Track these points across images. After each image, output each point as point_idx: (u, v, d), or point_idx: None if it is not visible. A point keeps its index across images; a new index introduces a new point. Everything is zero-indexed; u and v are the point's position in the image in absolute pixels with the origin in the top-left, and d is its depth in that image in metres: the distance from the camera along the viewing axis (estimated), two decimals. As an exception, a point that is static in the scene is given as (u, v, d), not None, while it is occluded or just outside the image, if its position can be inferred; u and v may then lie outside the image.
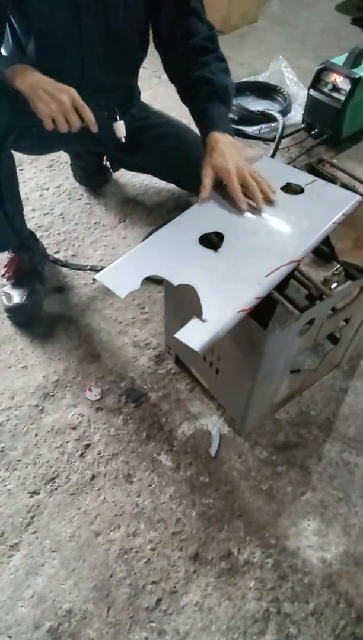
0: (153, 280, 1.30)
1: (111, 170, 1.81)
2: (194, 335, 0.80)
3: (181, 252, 0.94)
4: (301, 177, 1.09)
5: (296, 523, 1.09)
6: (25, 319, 1.42)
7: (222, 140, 1.09)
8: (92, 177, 1.83)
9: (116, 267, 0.91)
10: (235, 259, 0.92)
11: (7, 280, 1.43)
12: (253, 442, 1.21)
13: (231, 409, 1.19)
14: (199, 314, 0.83)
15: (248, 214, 1.00)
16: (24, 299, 1.39)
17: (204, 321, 0.82)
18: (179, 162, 1.45)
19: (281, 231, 0.97)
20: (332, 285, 1.00)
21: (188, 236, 0.97)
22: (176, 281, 0.88)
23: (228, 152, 1.05)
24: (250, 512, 1.10)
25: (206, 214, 1.02)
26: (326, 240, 0.98)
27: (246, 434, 1.21)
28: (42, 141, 1.32)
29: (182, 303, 1.09)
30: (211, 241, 0.96)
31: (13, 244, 1.39)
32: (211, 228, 0.97)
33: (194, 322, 0.82)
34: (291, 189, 1.07)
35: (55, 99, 1.03)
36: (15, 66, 1.07)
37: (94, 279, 0.90)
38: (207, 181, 1.04)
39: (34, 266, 1.46)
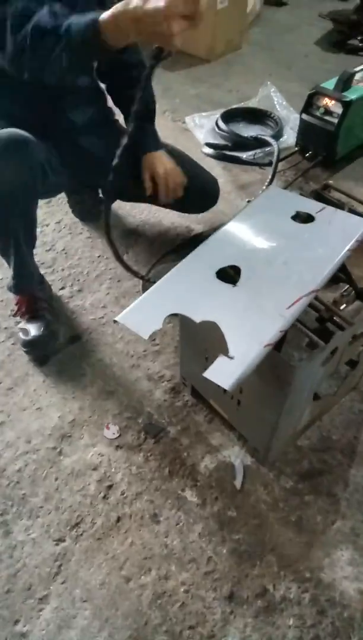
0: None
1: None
2: (223, 373, 0.79)
3: (199, 288, 0.94)
4: (309, 205, 1.10)
5: (329, 554, 1.07)
6: (45, 352, 1.42)
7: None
8: (91, 211, 1.83)
9: (136, 308, 0.91)
10: (254, 291, 0.92)
11: (22, 316, 1.43)
12: (278, 472, 1.19)
13: (254, 439, 1.18)
14: (225, 351, 0.83)
15: (263, 245, 1.01)
16: (41, 330, 1.39)
17: (231, 358, 0.82)
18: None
19: (298, 261, 0.97)
20: (341, 306, 1.00)
21: (205, 271, 0.96)
22: (197, 318, 0.88)
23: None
24: (281, 546, 1.08)
25: (220, 248, 1.02)
26: (342, 267, 0.99)
27: (270, 464, 1.19)
28: (57, 180, 1.37)
29: (198, 336, 1.09)
30: (229, 275, 0.96)
31: (36, 285, 1.41)
32: (227, 262, 0.97)
33: (221, 360, 0.81)
34: (301, 217, 1.07)
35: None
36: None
37: (115, 321, 0.89)
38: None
39: (44, 298, 1.46)
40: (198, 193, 1.56)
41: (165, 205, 1.60)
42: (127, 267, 1.28)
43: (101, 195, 1.78)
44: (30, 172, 1.18)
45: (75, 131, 1.41)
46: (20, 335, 1.41)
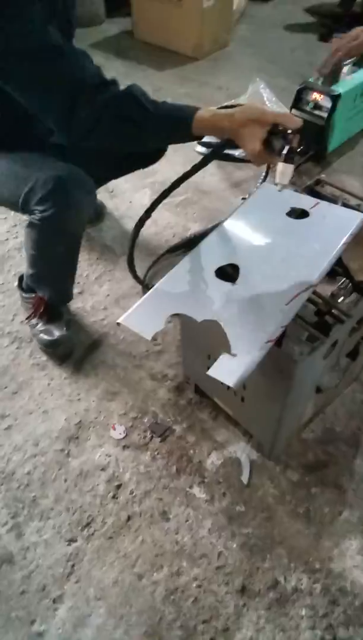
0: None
1: (102, 204, 1.87)
2: (228, 371, 0.80)
3: (199, 288, 0.95)
4: (304, 201, 1.12)
5: (338, 544, 1.09)
6: (71, 349, 1.46)
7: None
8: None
9: (138, 309, 0.92)
10: (253, 289, 0.93)
11: (40, 319, 1.44)
12: (284, 465, 1.21)
13: (259, 434, 1.19)
14: (227, 349, 0.84)
15: (260, 243, 1.02)
16: (64, 329, 1.42)
17: (234, 355, 0.83)
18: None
19: (295, 257, 0.98)
20: (339, 299, 1.02)
21: (204, 270, 0.98)
22: (199, 317, 0.89)
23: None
24: (290, 538, 1.10)
25: (218, 247, 1.03)
26: (338, 261, 1.00)
27: (275, 458, 1.21)
28: None
29: (200, 334, 1.10)
30: (228, 273, 0.97)
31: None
32: (225, 260, 0.99)
33: (224, 358, 0.82)
34: (296, 213, 1.09)
35: None
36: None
37: (118, 323, 0.90)
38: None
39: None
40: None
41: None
42: (136, 277, 1.32)
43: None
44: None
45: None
46: (44, 336, 1.42)
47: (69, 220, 1.19)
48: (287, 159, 0.92)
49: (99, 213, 1.89)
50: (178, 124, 1.01)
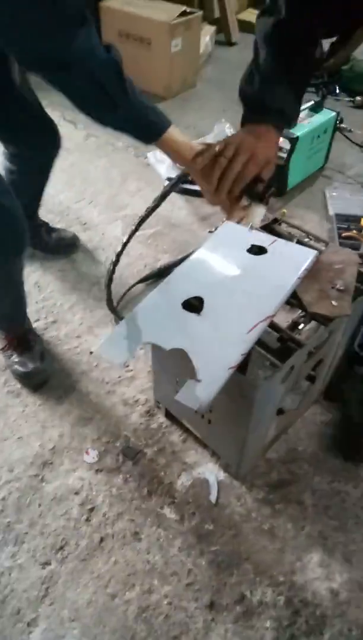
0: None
1: (75, 236, 1.95)
2: (193, 396, 0.88)
3: (167, 318, 1.03)
4: (262, 238, 1.22)
5: (301, 557, 1.16)
6: (45, 379, 1.50)
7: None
8: (46, 244, 1.92)
9: (111, 339, 0.99)
10: (217, 319, 1.02)
11: (14, 350, 1.49)
12: (250, 484, 1.28)
13: (225, 455, 1.26)
14: (193, 375, 0.92)
15: (223, 277, 1.11)
16: (38, 361, 1.47)
17: (199, 381, 0.91)
18: None
19: (255, 290, 1.08)
20: (299, 326, 1.11)
21: (172, 302, 1.06)
22: (167, 346, 0.97)
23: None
24: (256, 553, 1.16)
25: (185, 280, 1.12)
26: (294, 294, 1.10)
27: (242, 477, 1.28)
28: None
29: (169, 362, 1.18)
30: (193, 305, 1.05)
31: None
32: (191, 293, 1.07)
33: (190, 384, 0.90)
34: (255, 249, 1.19)
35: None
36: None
37: (91, 352, 0.97)
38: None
39: (30, 328, 1.55)
40: None
41: None
42: (113, 310, 1.39)
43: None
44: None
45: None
46: (18, 367, 1.47)
47: None
48: (262, 201, 0.99)
49: (72, 244, 1.96)
50: (148, 127, 1.03)
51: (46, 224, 1.92)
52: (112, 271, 1.26)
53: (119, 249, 1.26)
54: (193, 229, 2.09)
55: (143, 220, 1.21)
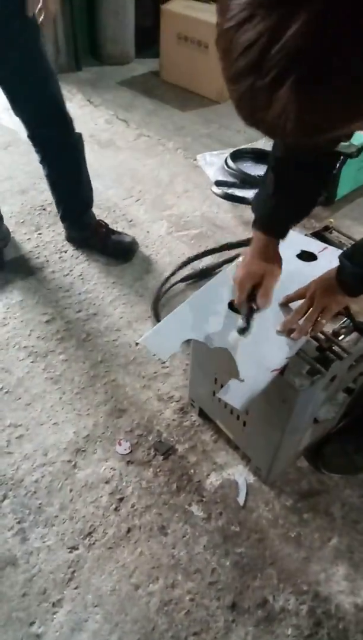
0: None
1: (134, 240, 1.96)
2: (235, 394, 0.89)
3: (213, 317, 1.04)
4: (313, 245, 1.22)
5: (326, 569, 1.14)
6: None
7: None
8: (85, 242, 1.96)
9: (156, 332, 1.01)
10: (262, 322, 1.02)
11: None
12: (279, 490, 1.27)
13: (257, 459, 1.26)
14: (236, 375, 0.92)
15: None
16: None
17: (241, 381, 0.92)
18: None
19: (302, 295, 1.07)
20: (340, 337, 1.10)
21: (218, 301, 1.07)
22: (212, 344, 0.98)
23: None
24: (281, 560, 1.15)
25: (231, 282, 1.12)
26: (342, 303, 1.09)
27: (271, 483, 1.27)
28: None
29: (209, 360, 1.18)
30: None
31: None
32: (238, 294, 1.08)
33: (233, 383, 0.91)
34: (306, 256, 1.19)
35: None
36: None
37: (137, 343, 0.99)
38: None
39: None
40: None
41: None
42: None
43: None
44: None
45: None
46: None
47: None
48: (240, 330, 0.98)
49: (129, 249, 1.93)
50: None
51: (106, 226, 1.94)
52: (161, 290, 1.27)
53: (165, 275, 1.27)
54: (236, 232, 2.09)
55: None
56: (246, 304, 1.01)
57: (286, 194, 0.98)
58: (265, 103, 0.41)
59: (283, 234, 1.05)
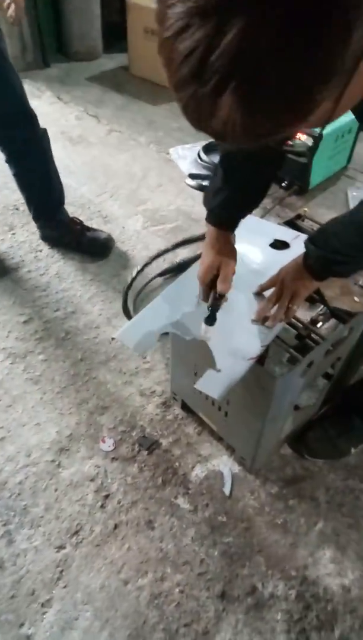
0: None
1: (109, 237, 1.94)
2: (212, 385, 0.89)
3: (187, 309, 1.04)
4: (286, 233, 1.22)
5: (313, 553, 1.16)
6: None
7: None
8: (60, 240, 1.94)
9: (131, 326, 1.00)
10: (238, 312, 1.02)
11: None
12: (264, 479, 1.28)
13: (240, 448, 1.27)
14: (213, 365, 0.93)
15: (245, 270, 1.11)
16: None
17: (218, 371, 0.92)
18: None
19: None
20: (318, 324, 1.11)
21: (191, 294, 1.07)
22: (188, 336, 0.98)
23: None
24: (268, 547, 1.17)
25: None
26: (316, 289, 1.10)
27: (256, 471, 1.28)
28: None
29: (188, 353, 1.18)
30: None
31: None
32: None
33: (210, 373, 0.91)
34: (279, 244, 1.19)
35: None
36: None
37: (113, 338, 0.98)
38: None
39: None
40: None
41: None
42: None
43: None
44: None
45: None
46: None
47: None
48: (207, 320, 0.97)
49: (105, 246, 1.93)
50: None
51: (80, 223, 1.92)
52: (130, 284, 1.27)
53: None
54: (213, 225, 2.09)
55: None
56: (210, 295, 1.01)
57: (234, 187, 0.98)
58: (209, 110, 0.41)
59: (233, 226, 1.06)
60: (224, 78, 0.38)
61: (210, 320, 0.95)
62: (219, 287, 0.98)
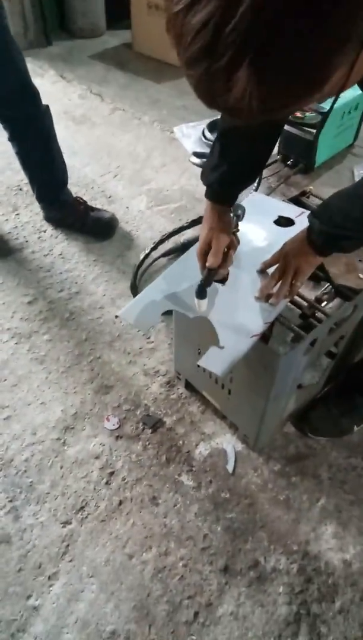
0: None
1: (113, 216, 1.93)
2: (215, 361, 0.89)
3: (189, 287, 1.03)
4: (290, 210, 1.21)
5: (315, 529, 1.17)
6: None
7: None
8: (65, 222, 1.93)
9: (135, 304, 1.00)
10: (241, 290, 1.02)
11: None
12: (267, 456, 1.29)
13: (244, 426, 1.28)
14: (216, 343, 0.92)
15: (249, 247, 1.11)
16: None
17: (221, 348, 0.92)
18: None
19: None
20: (322, 304, 1.11)
21: (196, 272, 1.06)
22: (191, 314, 0.98)
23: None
24: (271, 523, 1.18)
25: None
26: (320, 266, 1.09)
27: (259, 449, 1.29)
28: None
29: (191, 331, 1.18)
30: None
31: None
32: (216, 263, 1.07)
33: (213, 350, 0.91)
34: (283, 221, 1.18)
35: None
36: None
37: (116, 316, 0.98)
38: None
39: None
40: None
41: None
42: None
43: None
44: None
45: None
46: None
47: None
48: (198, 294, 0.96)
49: (109, 225, 1.92)
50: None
51: (84, 203, 1.91)
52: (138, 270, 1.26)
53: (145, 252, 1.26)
54: (217, 204, 2.07)
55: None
56: (205, 270, 1.01)
57: (231, 162, 0.97)
58: (224, 86, 0.40)
59: (231, 201, 1.04)
60: (240, 51, 0.37)
61: (200, 293, 0.95)
62: (210, 260, 0.97)
